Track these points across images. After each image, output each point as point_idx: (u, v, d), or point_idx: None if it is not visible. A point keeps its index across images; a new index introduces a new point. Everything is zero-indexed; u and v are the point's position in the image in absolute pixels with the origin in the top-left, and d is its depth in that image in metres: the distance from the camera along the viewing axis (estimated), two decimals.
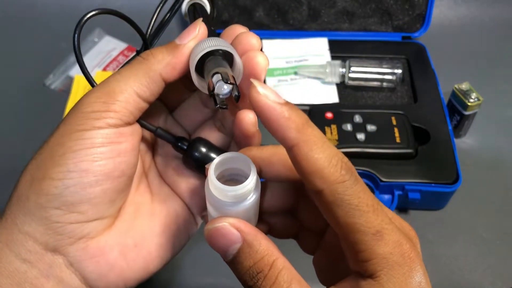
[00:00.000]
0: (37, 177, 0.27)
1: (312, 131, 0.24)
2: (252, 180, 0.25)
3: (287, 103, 0.24)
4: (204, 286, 0.56)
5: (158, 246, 0.31)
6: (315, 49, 0.73)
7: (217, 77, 0.26)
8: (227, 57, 0.28)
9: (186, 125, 0.34)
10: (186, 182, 0.32)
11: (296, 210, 0.31)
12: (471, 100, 0.64)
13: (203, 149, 0.31)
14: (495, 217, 0.62)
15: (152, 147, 0.34)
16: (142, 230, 0.30)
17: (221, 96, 0.26)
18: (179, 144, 0.31)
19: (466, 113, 0.65)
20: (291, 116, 0.23)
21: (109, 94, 0.27)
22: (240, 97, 0.27)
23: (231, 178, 0.27)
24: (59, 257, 0.27)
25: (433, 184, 0.58)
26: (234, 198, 0.25)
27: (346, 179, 0.23)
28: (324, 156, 0.23)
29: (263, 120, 0.24)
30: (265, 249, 0.25)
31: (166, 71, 0.28)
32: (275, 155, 0.28)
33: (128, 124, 0.28)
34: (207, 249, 0.60)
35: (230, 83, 0.26)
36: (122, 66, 0.31)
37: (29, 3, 0.85)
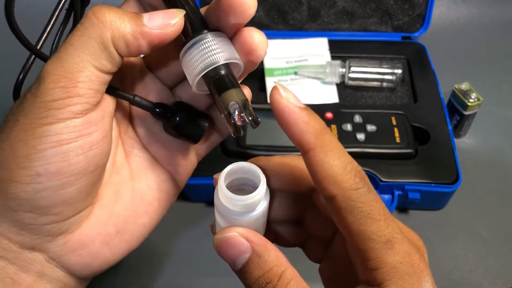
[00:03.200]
0: (2, 178, 0.24)
1: (329, 137, 0.24)
2: (262, 190, 0.25)
3: (306, 108, 0.24)
4: (204, 286, 0.56)
5: (141, 226, 0.30)
6: (315, 49, 0.73)
7: (235, 106, 0.24)
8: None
9: (165, 78, 0.31)
10: (168, 149, 0.31)
11: (302, 219, 0.31)
12: (471, 100, 0.64)
13: (186, 117, 0.29)
14: (495, 217, 0.62)
15: (129, 110, 0.31)
16: (124, 215, 0.29)
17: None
18: (160, 111, 0.29)
19: (466, 113, 0.65)
20: (310, 121, 0.24)
21: (67, 75, 0.24)
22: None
23: (239, 188, 0.27)
24: (38, 253, 0.26)
25: (433, 184, 0.58)
26: (243, 208, 0.25)
27: (360, 187, 0.23)
28: (340, 163, 0.23)
29: (282, 122, 0.24)
30: (274, 259, 0.25)
31: (118, 43, 0.25)
32: (283, 165, 0.28)
33: (97, 104, 0.25)
34: (206, 249, 0.60)
35: (249, 112, 0.25)
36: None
37: (28, 2, 0.85)
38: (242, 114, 0.24)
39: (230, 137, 0.61)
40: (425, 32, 0.76)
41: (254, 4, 0.25)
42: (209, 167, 0.61)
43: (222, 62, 0.25)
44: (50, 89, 0.24)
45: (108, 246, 0.28)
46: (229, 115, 0.24)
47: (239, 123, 0.24)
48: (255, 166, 0.26)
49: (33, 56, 0.27)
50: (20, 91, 0.28)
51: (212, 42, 0.25)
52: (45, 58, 0.27)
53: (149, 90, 0.30)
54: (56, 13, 0.28)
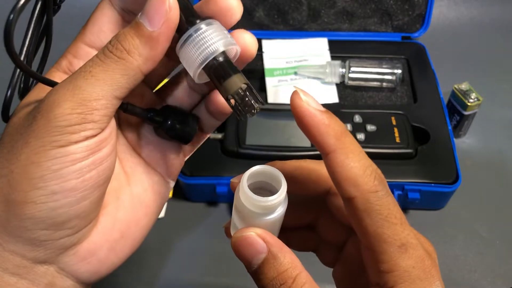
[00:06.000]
0: (15, 200, 0.25)
1: (350, 140, 0.24)
2: (282, 193, 0.25)
3: (327, 111, 0.24)
4: (204, 286, 0.56)
5: (141, 229, 0.31)
6: (315, 49, 0.73)
7: (240, 91, 0.25)
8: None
9: (149, 79, 0.31)
10: (158, 152, 0.32)
11: (315, 225, 0.32)
12: (471, 100, 0.64)
13: (177, 119, 0.30)
14: (495, 217, 0.62)
15: (118, 117, 0.31)
16: (126, 220, 0.30)
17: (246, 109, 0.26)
18: (151, 117, 0.29)
19: (466, 113, 0.65)
20: (330, 124, 0.24)
21: (85, 103, 0.24)
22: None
23: (255, 192, 0.27)
24: (49, 266, 0.27)
25: (432, 184, 0.58)
26: (263, 209, 0.25)
27: (379, 189, 0.24)
28: (360, 165, 0.24)
29: (303, 125, 0.24)
30: (289, 262, 0.25)
31: (146, 67, 0.26)
32: (299, 168, 0.29)
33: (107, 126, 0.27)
34: (206, 249, 0.60)
35: (254, 95, 0.26)
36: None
37: None
38: (247, 98, 0.25)
39: (230, 137, 0.61)
40: (425, 32, 0.76)
41: (240, 10, 0.27)
42: (209, 167, 0.61)
43: (221, 50, 0.26)
44: (67, 114, 0.24)
45: (114, 252, 0.29)
46: (234, 100, 0.25)
47: (246, 107, 0.25)
48: (277, 170, 0.26)
49: (20, 72, 0.27)
50: (9, 109, 0.28)
51: (208, 32, 0.26)
52: (46, 81, 0.27)
53: (135, 93, 0.30)
54: (33, 23, 0.28)
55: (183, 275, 0.57)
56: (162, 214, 0.62)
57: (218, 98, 0.30)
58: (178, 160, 0.33)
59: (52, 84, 0.26)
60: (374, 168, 0.24)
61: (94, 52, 0.29)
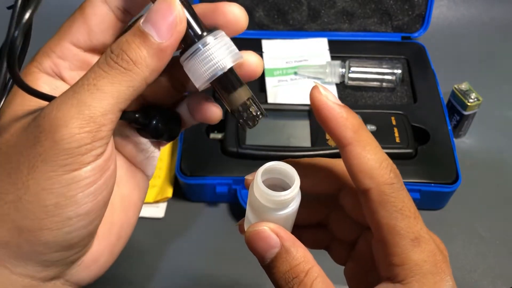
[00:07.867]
0: (29, 227, 0.24)
1: (367, 133, 0.25)
2: (296, 188, 0.26)
3: (345, 106, 0.25)
4: (203, 286, 0.56)
5: (131, 227, 0.31)
6: (315, 49, 0.73)
7: (245, 104, 0.27)
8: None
9: None
10: (140, 150, 0.31)
11: (327, 222, 0.32)
12: (471, 100, 0.64)
13: (161, 120, 0.30)
14: (495, 217, 0.62)
15: None
16: (120, 223, 0.30)
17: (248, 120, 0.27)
18: (136, 118, 0.29)
19: (466, 113, 0.65)
20: (348, 117, 0.25)
21: (93, 120, 0.23)
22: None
23: (269, 188, 0.28)
24: (57, 281, 0.27)
25: (432, 184, 0.58)
26: (277, 204, 0.26)
27: (394, 182, 0.24)
28: (376, 158, 0.24)
29: (322, 118, 0.25)
30: (302, 256, 0.25)
31: (152, 77, 0.25)
32: (312, 165, 0.29)
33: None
34: (206, 249, 0.60)
35: (258, 107, 0.27)
36: None
37: None
38: (251, 110, 0.27)
39: (230, 137, 0.61)
40: (424, 32, 0.76)
41: (246, 21, 0.27)
42: (209, 167, 0.61)
43: (229, 66, 0.26)
44: (75, 134, 0.23)
45: (112, 255, 0.30)
46: (239, 112, 0.27)
47: (249, 118, 0.27)
48: (290, 166, 0.27)
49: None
50: None
51: (216, 47, 0.26)
52: (45, 97, 0.25)
53: None
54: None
55: (183, 275, 0.57)
56: (162, 214, 0.62)
57: (204, 112, 0.30)
58: (157, 156, 0.33)
59: (49, 98, 0.25)
60: (390, 162, 0.25)
61: (82, 54, 0.27)
